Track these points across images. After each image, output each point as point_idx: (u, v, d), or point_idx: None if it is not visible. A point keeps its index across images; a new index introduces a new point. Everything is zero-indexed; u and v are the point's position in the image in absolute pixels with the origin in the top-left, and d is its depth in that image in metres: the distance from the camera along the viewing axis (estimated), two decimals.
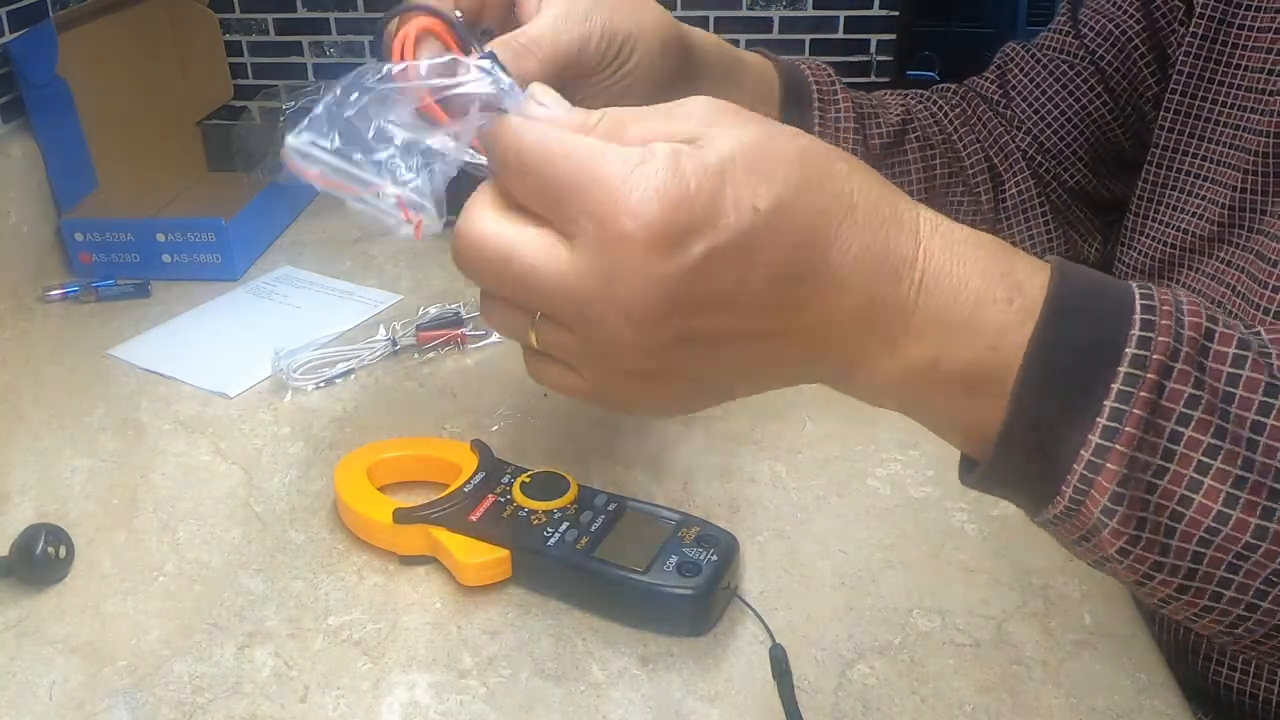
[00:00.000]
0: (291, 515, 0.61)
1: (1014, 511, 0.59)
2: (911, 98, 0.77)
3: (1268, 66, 0.59)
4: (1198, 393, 0.37)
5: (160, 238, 0.89)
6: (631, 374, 0.40)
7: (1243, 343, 0.38)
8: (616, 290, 0.37)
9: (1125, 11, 0.69)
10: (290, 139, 0.42)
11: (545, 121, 0.39)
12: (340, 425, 0.70)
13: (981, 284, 0.39)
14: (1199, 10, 0.62)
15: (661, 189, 0.35)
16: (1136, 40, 0.68)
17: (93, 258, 0.90)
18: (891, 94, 0.76)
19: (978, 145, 0.76)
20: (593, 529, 0.54)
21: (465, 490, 0.57)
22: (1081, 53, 0.72)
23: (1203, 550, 0.37)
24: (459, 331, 0.78)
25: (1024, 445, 0.39)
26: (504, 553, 0.54)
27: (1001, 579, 0.55)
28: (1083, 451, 0.37)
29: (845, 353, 0.41)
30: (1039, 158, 0.76)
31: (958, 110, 0.77)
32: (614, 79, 0.53)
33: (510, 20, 0.52)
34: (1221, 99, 0.62)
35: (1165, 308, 0.38)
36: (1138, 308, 0.38)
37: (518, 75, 0.44)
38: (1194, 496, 0.37)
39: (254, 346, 0.77)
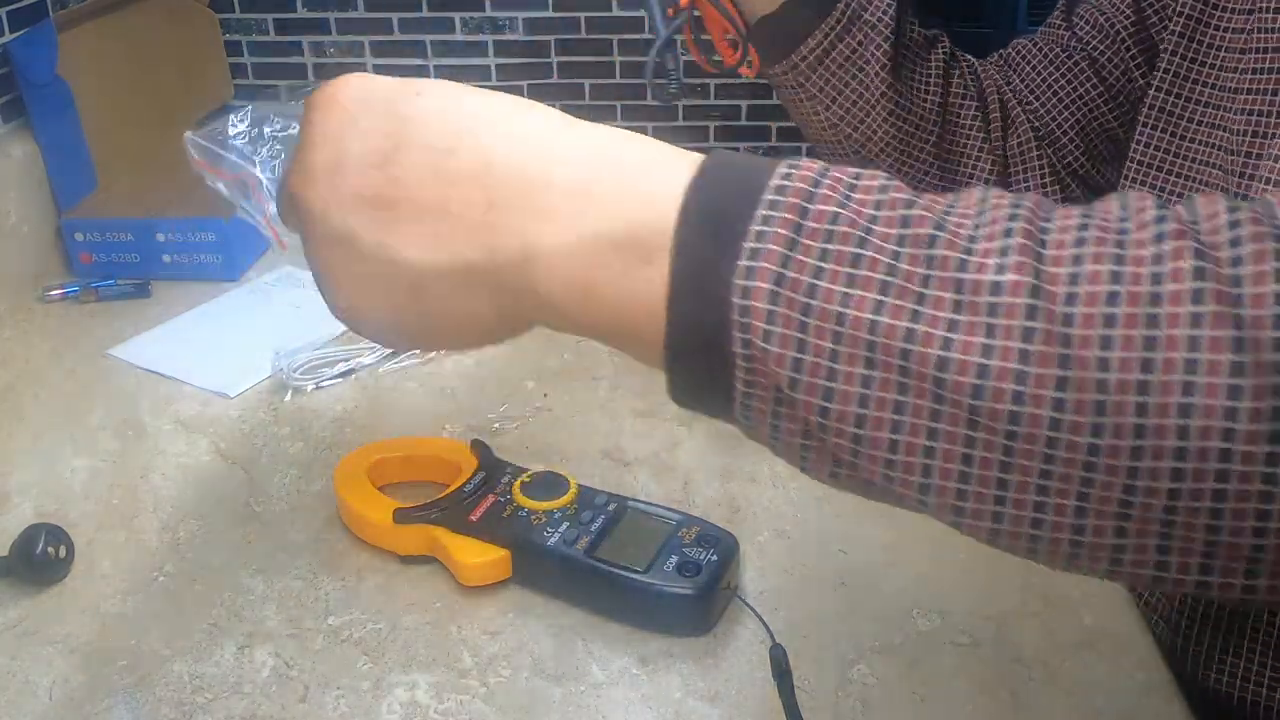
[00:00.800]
0: (291, 515, 0.61)
1: None
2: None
3: (1241, 66, 0.59)
4: (839, 210, 0.37)
5: (161, 238, 0.89)
6: (317, 246, 0.44)
7: (885, 185, 0.38)
8: (299, 155, 0.44)
9: (1117, 7, 0.69)
10: (189, 133, 0.50)
11: None
12: (340, 425, 0.70)
13: (640, 153, 0.42)
14: (1178, 9, 0.63)
15: (353, 79, 0.44)
16: (1125, 35, 0.69)
17: (93, 258, 0.90)
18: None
19: (995, 95, 0.77)
20: (593, 529, 0.54)
21: (465, 490, 0.57)
22: (1075, 43, 0.72)
23: (870, 356, 0.36)
24: None
25: (690, 301, 0.38)
26: (504, 553, 0.54)
27: (1001, 579, 0.55)
28: (734, 280, 0.37)
29: (510, 232, 0.42)
30: (1038, 123, 0.77)
31: (990, 67, 0.78)
32: None
33: None
34: (1200, 98, 0.62)
35: (810, 164, 0.39)
36: (784, 162, 0.39)
37: None
38: (847, 310, 0.35)
39: (254, 346, 0.77)
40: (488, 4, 1.07)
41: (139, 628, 0.53)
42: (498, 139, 0.42)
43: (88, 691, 0.49)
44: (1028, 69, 0.76)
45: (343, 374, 0.75)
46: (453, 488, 0.57)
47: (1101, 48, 0.71)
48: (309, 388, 0.73)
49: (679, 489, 0.62)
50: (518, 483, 0.57)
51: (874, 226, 0.37)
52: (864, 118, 0.72)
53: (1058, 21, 0.74)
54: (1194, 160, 0.62)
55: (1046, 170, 0.78)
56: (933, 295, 0.35)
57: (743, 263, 0.37)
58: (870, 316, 0.35)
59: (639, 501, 0.57)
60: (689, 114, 1.11)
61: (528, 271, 0.42)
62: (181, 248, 0.90)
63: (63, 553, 0.56)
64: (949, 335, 0.34)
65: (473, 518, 0.55)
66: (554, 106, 0.47)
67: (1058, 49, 0.74)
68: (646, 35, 1.07)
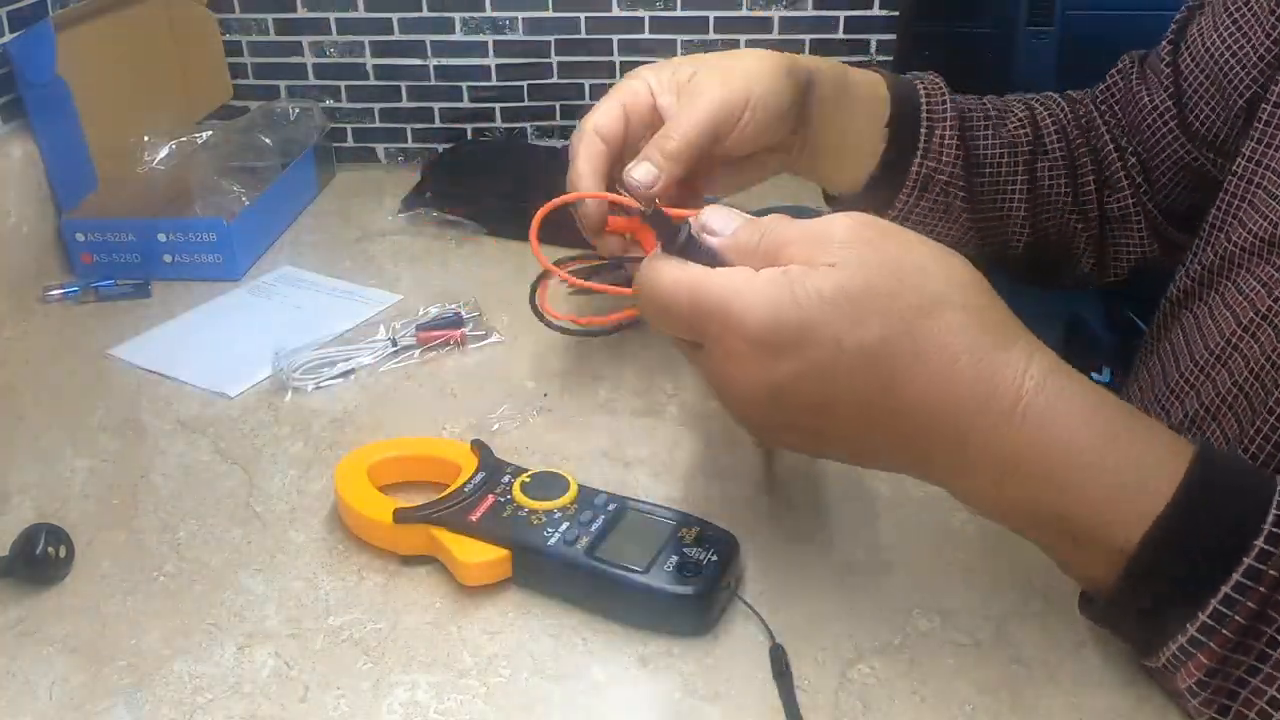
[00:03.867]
0: (291, 515, 0.61)
1: None
2: (1039, 102, 0.79)
3: None
4: None
5: (161, 238, 0.89)
6: (749, 425, 0.49)
7: None
8: (726, 389, 0.47)
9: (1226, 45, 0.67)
10: None
11: (719, 244, 0.48)
12: (340, 425, 0.70)
13: (1087, 443, 0.42)
14: None
15: (769, 307, 0.43)
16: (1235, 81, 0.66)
17: (94, 258, 0.90)
18: (1019, 99, 0.79)
19: (1088, 157, 0.77)
20: (593, 529, 0.54)
21: (465, 490, 0.57)
22: (1169, 78, 0.71)
23: None
24: (459, 331, 0.78)
25: (1130, 614, 0.42)
26: (504, 553, 0.54)
27: (1001, 579, 0.55)
28: (1179, 637, 0.40)
29: (945, 469, 0.45)
30: (1139, 179, 0.76)
31: (1084, 119, 0.78)
32: (740, 132, 0.62)
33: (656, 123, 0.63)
34: None
35: None
36: (1270, 518, 0.39)
37: (669, 174, 0.59)
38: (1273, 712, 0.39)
39: (254, 346, 0.77)
40: (488, 4, 1.07)
41: (139, 628, 0.53)
42: (933, 390, 0.42)
43: (88, 691, 0.49)
44: (1134, 108, 0.75)
45: (343, 374, 0.75)
46: (453, 488, 0.57)
47: (1200, 90, 0.69)
48: (309, 388, 0.73)
49: (679, 489, 0.62)
50: (518, 483, 0.57)
51: None
52: (959, 241, 0.76)
53: (1166, 55, 0.73)
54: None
55: (1145, 226, 0.78)
56: None
57: (1194, 631, 0.40)
58: None
59: (639, 501, 0.57)
60: None
61: (954, 489, 0.47)
62: (182, 248, 0.90)
63: (63, 553, 0.56)
64: None
65: (473, 518, 0.55)
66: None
67: (1159, 88, 0.73)
68: (647, 35, 1.07)
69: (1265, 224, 0.60)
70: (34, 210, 0.90)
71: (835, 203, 0.78)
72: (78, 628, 0.53)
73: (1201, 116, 0.69)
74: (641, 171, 0.59)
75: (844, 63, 0.71)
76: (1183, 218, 0.77)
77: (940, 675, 0.49)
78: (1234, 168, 0.64)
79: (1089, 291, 1.32)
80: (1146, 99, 0.73)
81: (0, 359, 0.79)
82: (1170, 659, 0.41)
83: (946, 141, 0.73)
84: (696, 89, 0.62)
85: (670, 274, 0.46)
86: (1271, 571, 0.37)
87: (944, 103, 0.73)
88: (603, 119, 0.64)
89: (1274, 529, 0.38)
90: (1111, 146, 0.77)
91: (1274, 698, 0.38)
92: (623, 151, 0.64)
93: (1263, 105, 0.62)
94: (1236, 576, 0.38)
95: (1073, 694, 0.48)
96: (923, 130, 0.72)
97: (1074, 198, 0.77)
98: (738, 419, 0.49)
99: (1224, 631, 0.38)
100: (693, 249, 0.48)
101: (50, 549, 0.56)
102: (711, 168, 0.66)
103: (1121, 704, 0.47)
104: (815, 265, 0.43)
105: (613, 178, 0.63)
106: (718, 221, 0.48)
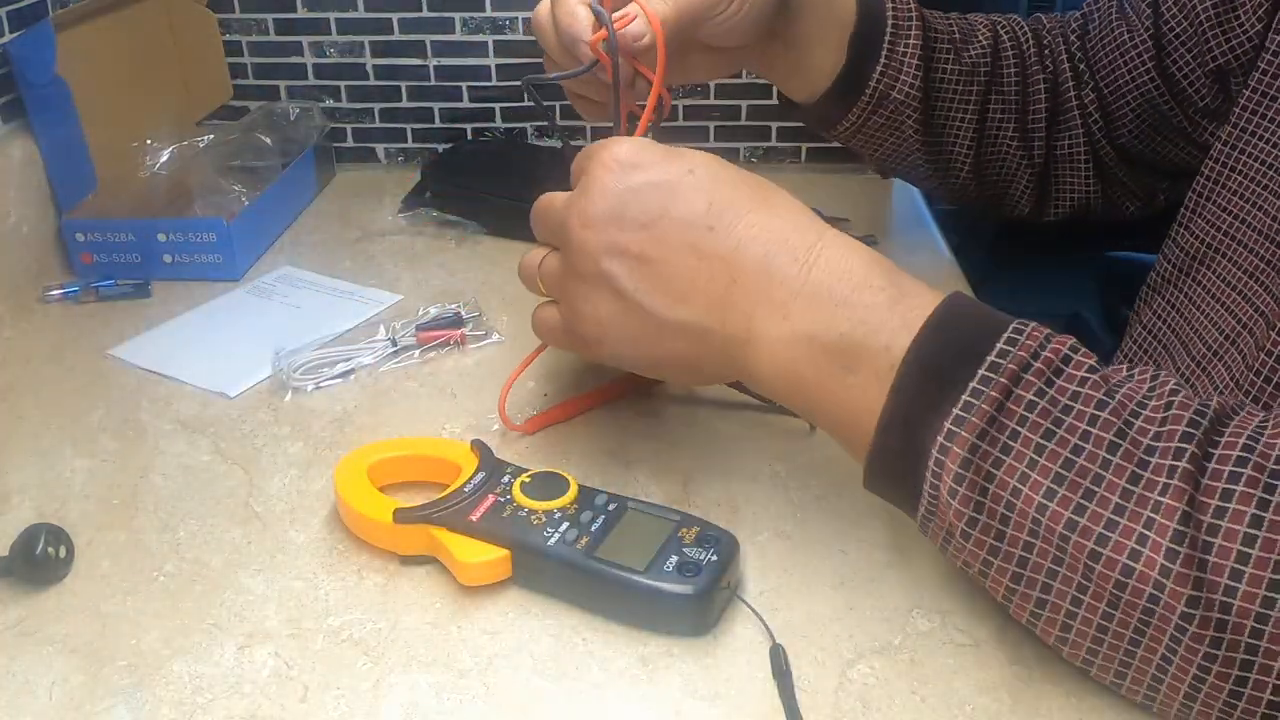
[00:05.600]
0: (291, 515, 0.61)
1: None
2: (1003, 27, 0.79)
3: None
4: (1038, 399, 0.43)
5: (161, 238, 0.89)
6: (581, 277, 0.53)
7: (1093, 368, 0.44)
8: (580, 201, 0.53)
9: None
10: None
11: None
12: (340, 425, 0.70)
13: (864, 274, 0.49)
14: None
15: (633, 143, 0.54)
16: (1207, 24, 0.67)
17: (94, 258, 0.90)
18: (985, 20, 0.79)
19: (1044, 92, 0.78)
20: (593, 529, 0.54)
21: (465, 490, 0.57)
22: (1149, 19, 0.71)
23: (1031, 541, 0.43)
24: (459, 331, 0.78)
25: (897, 436, 0.46)
26: (504, 553, 0.54)
27: None
28: (938, 437, 0.44)
29: (742, 312, 0.50)
30: (1095, 114, 0.76)
31: (1042, 50, 0.79)
32: (728, 21, 0.65)
33: None
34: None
35: (1034, 333, 0.45)
36: (1009, 328, 0.45)
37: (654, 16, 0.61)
38: (1022, 487, 0.43)
39: (254, 346, 0.78)
40: (488, 4, 1.07)
41: (139, 628, 0.53)
42: (751, 227, 0.51)
43: (88, 691, 0.49)
44: (1099, 45, 0.76)
45: (343, 374, 0.75)
46: (453, 488, 0.57)
47: (1179, 28, 0.69)
48: (309, 388, 0.73)
49: (679, 489, 0.62)
50: (518, 483, 0.57)
51: (1065, 418, 0.43)
52: (904, 160, 0.80)
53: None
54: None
55: (1091, 167, 0.79)
56: (1101, 493, 0.42)
57: (948, 424, 0.44)
58: (1040, 500, 0.42)
59: (639, 501, 0.57)
60: (689, 114, 1.10)
61: (748, 350, 0.51)
62: (182, 248, 0.90)
63: (63, 553, 0.56)
64: (1108, 531, 0.41)
65: (473, 518, 0.55)
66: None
67: (1130, 25, 0.73)
68: None
69: (1245, 205, 0.60)
70: (34, 210, 0.90)
71: (794, 110, 0.80)
72: (78, 628, 0.53)
73: (1180, 64, 0.70)
74: (639, 25, 0.60)
75: None
76: (1134, 160, 0.77)
77: (940, 675, 0.49)
78: (1212, 152, 0.64)
79: (1089, 291, 1.33)
80: (1126, 36, 0.73)
81: (0, 359, 0.79)
82: (934, 465, 0.44)
83: (907, 60, 0.74)
84: None
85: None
86: (1010, 365, 0.44)
87: (909, 19, 0.74)
88: None
89: (1012, 334, 0.45)
90: (1070, 78, 0.77)
91: (1015, 487, 0.43)
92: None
93: (1242, 91, 0.62)
94: (981, 371, 0.44)
95: (1073, 694, 0.48)
96: (884, 45, 0.73)
97: (1021, 140, 0.78)
98: (564, 264, 0.55)
99: (972, 418, 0.43)
100: None
101: (50, 549, 0.56)
102: (687, 53, 0.68)
103: (1121, 704, 0.47)
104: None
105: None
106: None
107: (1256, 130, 0.60)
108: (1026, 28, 0.79)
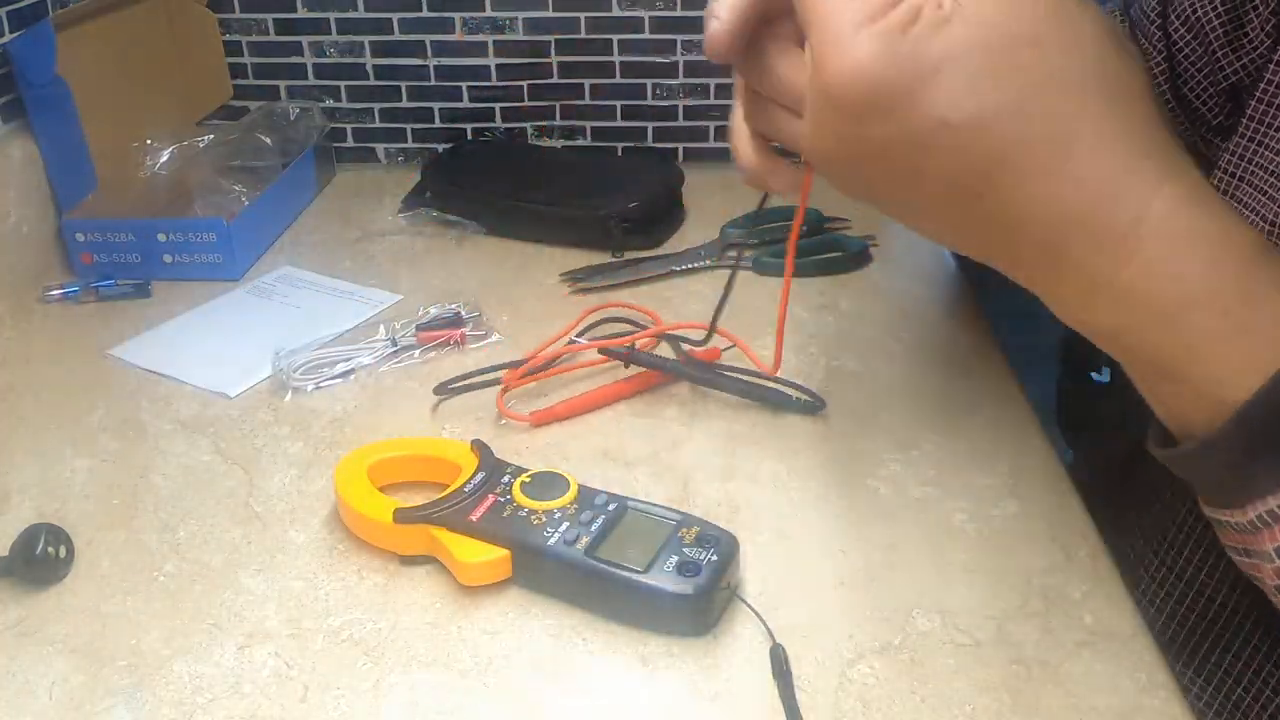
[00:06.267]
0: (291, 515, 0.61)
1: (1014, 511, 0.59)
2: None
3: None
4: None
5: (161, 238, 0.89)
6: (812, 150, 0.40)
7: None
8: (808, 133, 0.38)
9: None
10: None
11: None
12: (340, 425, 0.70)
13: (1202, 280, 0.36)
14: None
15: (866, 64, 0.35)
16: (1217, 27, 0.63)
17: (94, 258, 0.90)
18: None
19: None
20: (593, 529, 0.54)
21: (465, 490, 0.57)
22: (1160, 43, 0.68)
23: None
24: (459, 331, 0.78)
25: (1219, 462, 0.39)
26: (504, 553, 0.54)
27: (1001, 579, 0.55)
28: (1270, 499, 0.37)
29: (1030, 272, 0.39)
30: None
31: None
32: None
33: None
34: None
35: None
36: None
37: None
38: None
39: (254, 346, 0.77)
40: (488, 4, 1.07)
41: (139, 628, 0.53)
42: (1034, 200, 0.36)
43: (88, 691, 0.49)
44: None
45: (343, 374, 0.75)
46: (453, 488, 0.57)
47: (1188, 45, 0.66)
48: (309, 388, 0.73)
49: (679, 489, 0.62)
50: (518, 483, 0.57)
51: None
52: None
53: (1154, 9, 0.69)
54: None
55: None
56: None
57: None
58: None
59: (639, 501, 0.57)
60: (689, 114, 1.11)
61: (1037, 289, 0.40)
62: (182, 248, 0.90)
63: (63, 553, 0.56)
64: None
65: (473, 518, 0.55)
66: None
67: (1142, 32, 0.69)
68: (647, 35, 1.07)
69: (1254, 219, 0.60)
70: (34, 210, 0.90)
71: None
72: (78, 628, 0.53)
73: (1193, 86, 0.69)
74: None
75: None
76: None
77: (940, 675, 0.49)
78: (1220, 163, 0.64)
79: None
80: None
81: (0, 359, 0.79)
82: (1260, 517, 0.38)
83: None
84: None
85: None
86: None
87: None
88: None
89: None
90: None
91: None
92: None
93: (1250, 101, 0.62)
94: None
95: (1073, 694, 0.48)
96: None
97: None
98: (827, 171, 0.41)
99: None
100: None
101: (50, 549, 0.56)
102: None
103: (1121, 704, 0.47)
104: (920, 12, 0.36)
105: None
106: None
107: (1264, 141, 0.60)
108: None
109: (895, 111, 0.35)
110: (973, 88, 0.35)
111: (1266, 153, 0.60)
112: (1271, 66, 0.60)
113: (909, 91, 0.35)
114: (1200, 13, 0.67)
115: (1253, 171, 0.61)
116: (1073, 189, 0.36)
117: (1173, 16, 0.69)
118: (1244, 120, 0.62)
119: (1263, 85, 0.60)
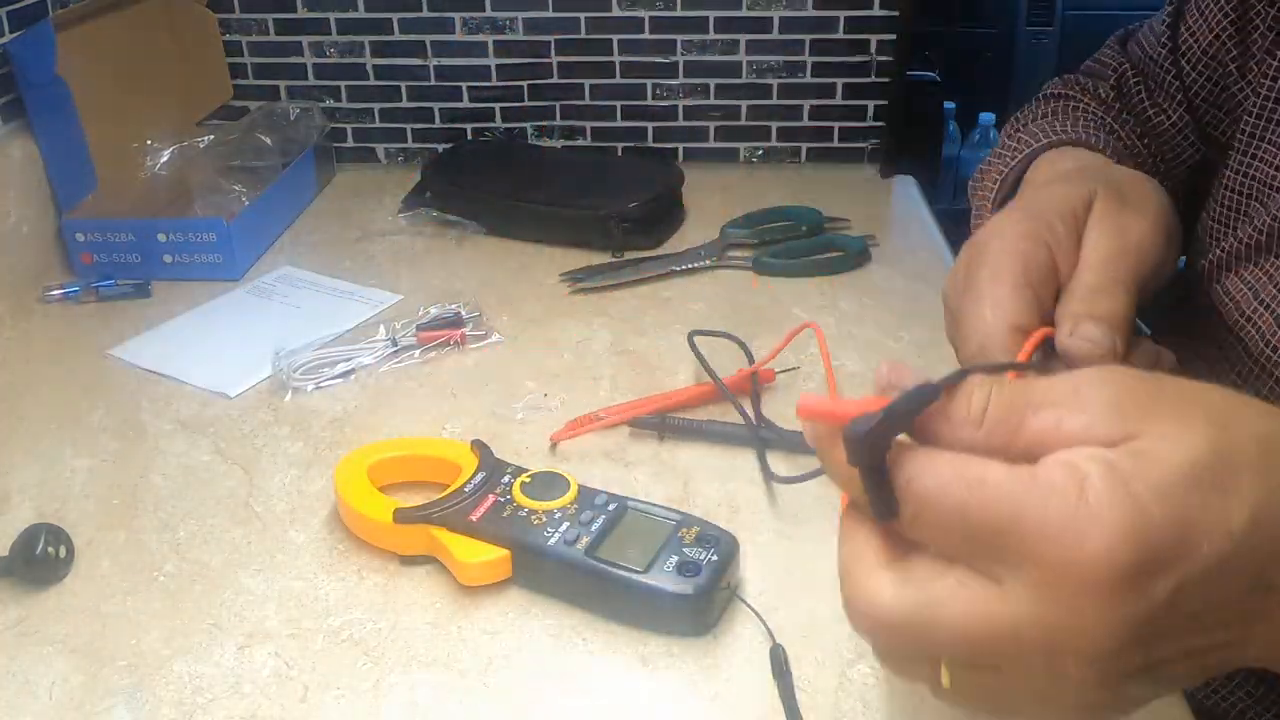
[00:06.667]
0: (291, 515, 0.61)
1: None
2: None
3: None
4: None
5: (161, 238, 0.89)
6: (1076, 707, 0.34)
7: None
8: (1070, 638, 0.32)
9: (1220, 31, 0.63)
10: None
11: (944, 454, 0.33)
12: (340, 425, 0.70)
13: None
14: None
15: (1120, 530, 0.30)
16: (1229, 62, 0.63)
17: (94, 258, 0.90)
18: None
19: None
20: (593, 529, 0.54)
21: (465, 490, 0.57)
22: (1176, 90, 0.68)
23: None
24: (459, 331, 0.78)
25: None
26: (504, 553, 0.54)
27: None
28: None
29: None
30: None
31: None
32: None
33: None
34: None
35: None
36: None
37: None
38: None
39: (254, 346, 0.78)
40: (488, 4, 1.07)
41: (139, 628, 0.53)
42: None
43: (88, 691, 0.49)
44: (1144, 130, 0.70)
45: (343, 374, 0.75)
46: (453, 488, 0.57)
47: (1199, 79, 0.66)
48: (309, 388, 0.73)
49: (679, 489, 0.62)
50: (518, 483, 0.57)
51: None
52: None
53: (1160, 41, 0.68)
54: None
55: None
56: None
57: None
58: None
59: (639, 501, 0.57)
60: (689, 114, 1.11)
61: None
62: (182, 248, 0.90)
63: (63, 553, 0.56)
64: None
65: (473, 518, 0.55)
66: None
67: (1150, 77, 0.69)
68: (647, 35, 1.07)
69: (1250, 229, 0.60)
70: (34, 210, 0.90)
71: None
72: (78, 628, 0.53)
73: (1213, 122, 0.68)
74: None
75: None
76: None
77: None
78: (1222, 175, 0.64)
79: None
80: (1164, 119, 0.70)
81: (0, 359, 0.79)
82: None
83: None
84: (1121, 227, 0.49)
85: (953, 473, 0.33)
86: None
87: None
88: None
89: None
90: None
91: None
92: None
93: (1244, 117, 0.62)
94: None
95: None
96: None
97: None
98: (1040, 694, 0.34)
99: None
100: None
101: (50, 549, 0.56)
102: None
103: None
104: (1114, 444, 0.32)
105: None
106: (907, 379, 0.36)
107: (1265, 136, 0.60)
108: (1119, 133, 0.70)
109: (1179, 553, 0.31)
110: (1226, 490, 0.32)
111: (1267, 149, 0.60)
112: (1265, 81, 0.60)
113: (1179, 525, 0.31)
114: (1203, 43, 0.66)
115: (1249, 183, 0.61)
116: None
117: (1183, 60, 0.68)
118: (1241, 120, 0.62)
119: (1262, 93, 0.60)
